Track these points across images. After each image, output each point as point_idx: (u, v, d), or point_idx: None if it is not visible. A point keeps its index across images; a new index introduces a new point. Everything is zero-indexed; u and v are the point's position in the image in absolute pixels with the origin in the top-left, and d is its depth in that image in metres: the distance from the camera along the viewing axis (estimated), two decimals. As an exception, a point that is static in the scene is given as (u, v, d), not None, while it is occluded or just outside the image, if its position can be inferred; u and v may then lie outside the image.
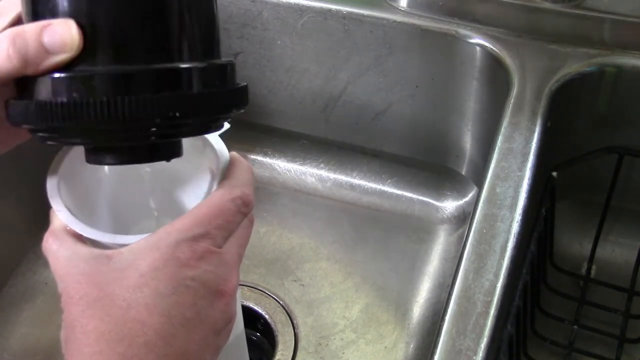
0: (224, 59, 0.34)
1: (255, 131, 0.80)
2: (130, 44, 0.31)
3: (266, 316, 0.66)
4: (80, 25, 0.30)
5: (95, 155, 0.34)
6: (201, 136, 0.40)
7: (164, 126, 0.31)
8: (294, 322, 0.66)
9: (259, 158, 0.81)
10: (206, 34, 0.33)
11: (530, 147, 0.55)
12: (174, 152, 0.35)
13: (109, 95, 0.30)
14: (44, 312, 0.68)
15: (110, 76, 0.30)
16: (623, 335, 0.64)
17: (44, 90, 0.31)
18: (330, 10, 0.67)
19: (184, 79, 0.31)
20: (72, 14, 0.30)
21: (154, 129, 0.31)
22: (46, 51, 0.30)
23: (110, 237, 0.34)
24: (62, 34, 0.30)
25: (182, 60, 0.32)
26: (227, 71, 0.34)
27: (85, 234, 0.34)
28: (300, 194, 0.78)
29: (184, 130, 0.33)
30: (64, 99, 0.30)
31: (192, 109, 0.31)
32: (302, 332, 0.65)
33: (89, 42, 0.30)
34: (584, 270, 0.69)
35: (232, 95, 0.34)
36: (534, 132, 0.56)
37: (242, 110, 0.35)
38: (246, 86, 0.35)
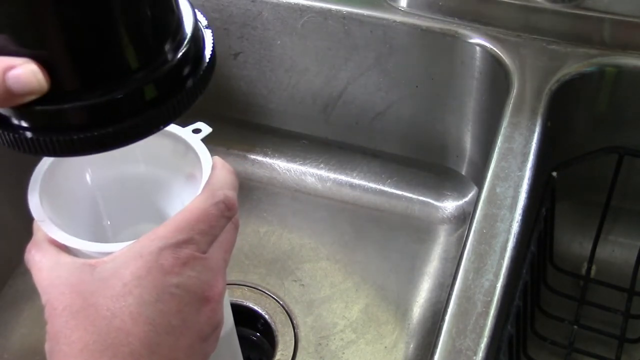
0: (177, 54, 0.33)
1: (255, 131, 0.80)
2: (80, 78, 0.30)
3: (266, 316, 0.66)
4: (44, 64, 0.29)
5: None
6: (184, 141, 0.39)
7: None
8: (294, 322, 0.66)
9: (259, 158, 0.81)
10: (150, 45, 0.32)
11: (530, 147, 0.55)
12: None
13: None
14: (43, 312, 0.68)
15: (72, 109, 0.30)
16: (623, 335, 0.64)
17: (8, 122, 0.31)
18: (330, 10, 0.67)
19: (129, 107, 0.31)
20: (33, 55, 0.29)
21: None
22: (12, 94, 0.29)
23: (93, 246, 0.34)
24: (27, 79, 0.29)
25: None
26: (172, 75, 0.33)
27: (68, 244, 0.34)
28: (300, 194, 0.78)
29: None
30: (28, 135, 0.30)
31: (125, 138, 0.32)
32: (302, 332, 0.65)
33: (54, 80, 0.30)
34: (584, 270, 0.69)
35: (165, 112, 0.33)
36: (534, 132, 0.56)
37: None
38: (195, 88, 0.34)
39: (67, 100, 0.30)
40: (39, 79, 0.29)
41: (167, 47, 0.32)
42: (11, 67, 0.29)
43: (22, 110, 0.30)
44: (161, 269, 0.32)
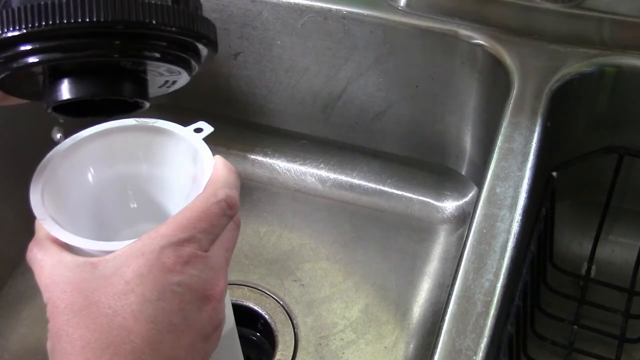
0: None
1: (255, 131, 0.80)
2: None
3: (266, 316, 0.66)
4: None
5: (55, 86, 0.31)
6: (185, 140, 0.39)
7: (128, 39, 0.29)
8: (294, 322, 0.66)
9: (259, 158, 0.81)
10: None
11: (530, 147, 0.55)
12: (140, 91, 0.33)
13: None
14: (44, 312, 0.68)
15: None
16: (623, 335, 0.64)
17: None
18: (330, 10, 0.67)
19: None
20: None
21: (117, 42, 0.29)
22: None
23: (94, 245, 0.34)
24: None
25: None
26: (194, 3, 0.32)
27: (69, 242, 0.34)
28: (300, 194, 0.78)
29: (150, 51, 0.31)
30: (28, 4, 0.28)
31: (161, 20, 0.29)
32: (302, 332, 0.65)
33: None
34: (584, 270, 0.69)
35: (201, 20, 0.31)
36: (534, 132, 0.56)
37: (213, 53, 0.33)
38: (214, 26, 0.33)
39: None
40: None
41: None
42: None
43: None
44: (163, 267, 0.32)
